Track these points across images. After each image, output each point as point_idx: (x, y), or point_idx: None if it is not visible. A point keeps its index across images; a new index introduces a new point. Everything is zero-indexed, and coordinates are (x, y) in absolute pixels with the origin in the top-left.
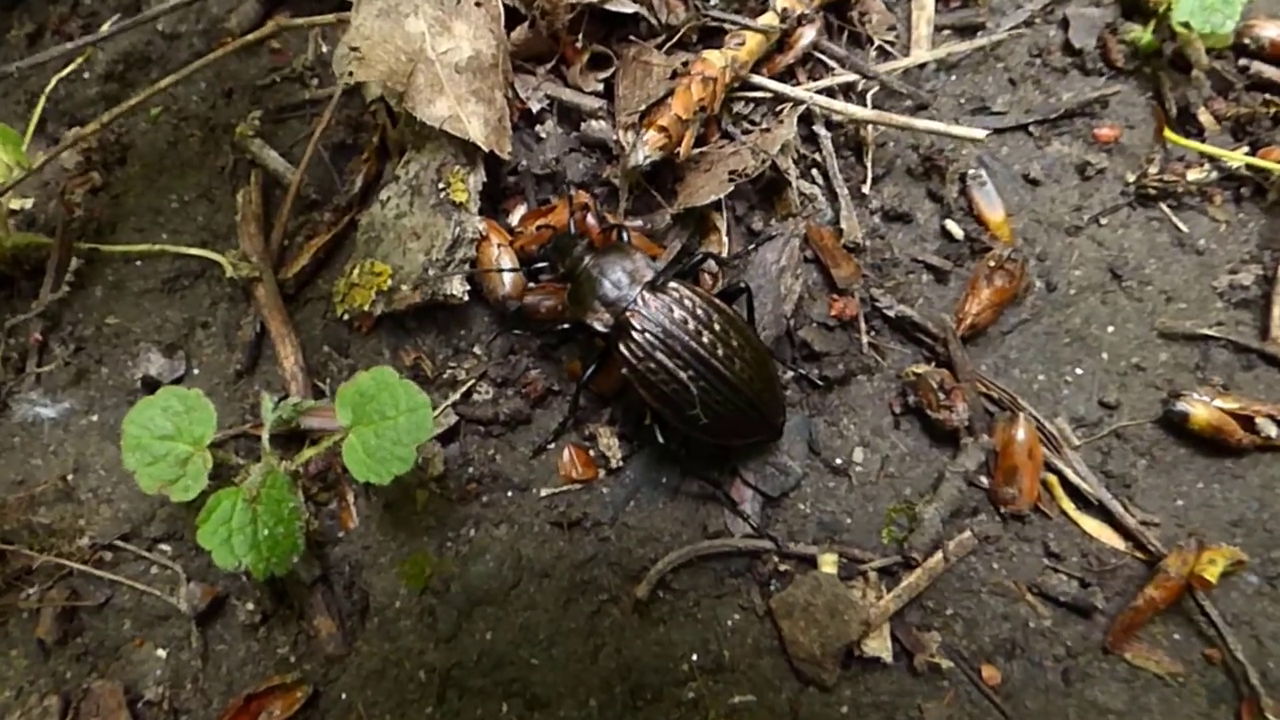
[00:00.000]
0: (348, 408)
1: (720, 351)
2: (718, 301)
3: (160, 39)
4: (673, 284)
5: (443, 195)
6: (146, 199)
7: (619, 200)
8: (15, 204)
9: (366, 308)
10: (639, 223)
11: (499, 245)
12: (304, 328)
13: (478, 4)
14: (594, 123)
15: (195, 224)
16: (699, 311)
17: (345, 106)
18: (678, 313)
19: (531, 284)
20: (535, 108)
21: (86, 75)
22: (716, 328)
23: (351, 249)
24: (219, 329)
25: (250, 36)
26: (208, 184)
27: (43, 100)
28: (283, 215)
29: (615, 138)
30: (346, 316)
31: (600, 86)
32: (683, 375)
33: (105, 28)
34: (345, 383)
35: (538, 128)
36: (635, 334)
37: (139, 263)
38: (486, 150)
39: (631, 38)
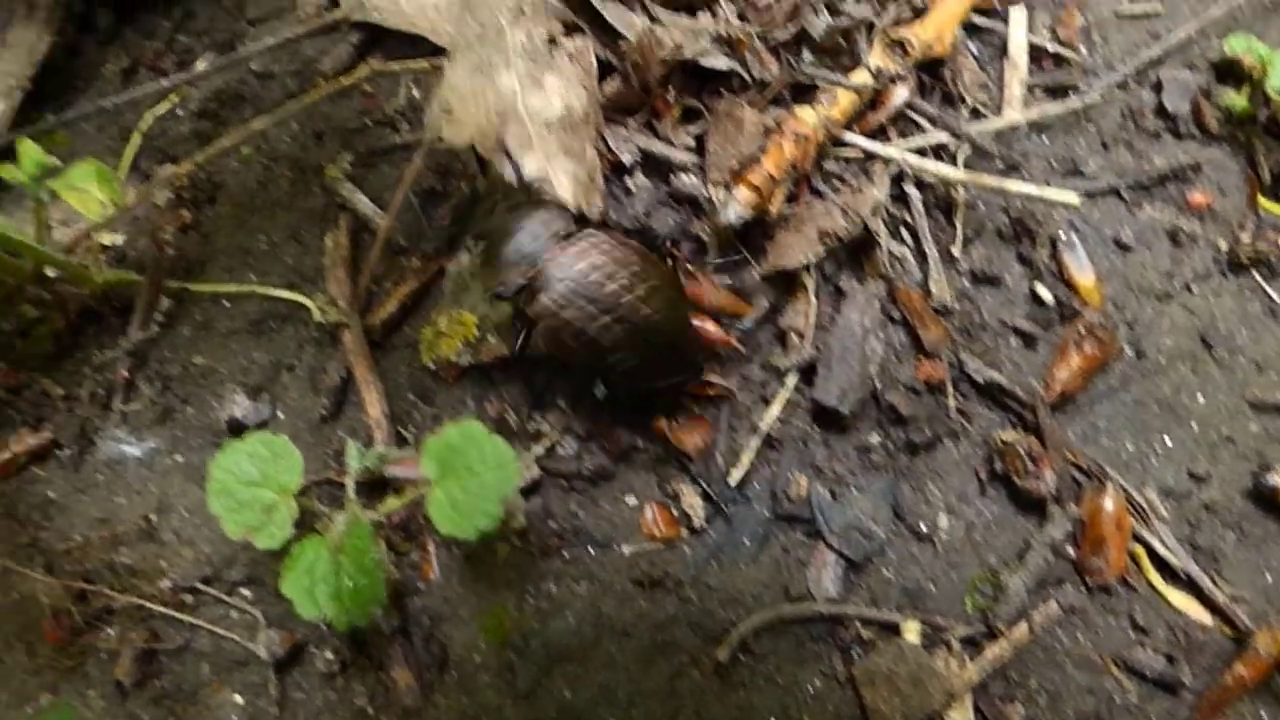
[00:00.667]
0: (434, 461)
1: (639, 293)
2: (631, 242)
3: (253, 78)
4: (586, 231)
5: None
6: (236, 239)
7: (707, 256)
8: (106, 239)
9: (453, 357)
10: (727, 279)
11: None
12: (389, 374)
13: (570, 58)
14: (684, 176)
15: (284, 265)
16: (615, 254)
17: (435, 152)
18: (594, 257)
19: None
20: (626, 160)
21: (180, 111)
22: (634, 269)
23: (439, 297)
24: (304, 372)
25: (344, 81)
26: (297, 225)
27: (138, 138)
28: (371, 260)
29: (706, 193)
30: (432, 365)
31: (691, 140)
32: (603, 320)
33: (200, 65)
34: (432, 435)
35: (627, 180)
36: (554, 285)
37: (227, 303)
38: (576, 209)
39: (723, 92)
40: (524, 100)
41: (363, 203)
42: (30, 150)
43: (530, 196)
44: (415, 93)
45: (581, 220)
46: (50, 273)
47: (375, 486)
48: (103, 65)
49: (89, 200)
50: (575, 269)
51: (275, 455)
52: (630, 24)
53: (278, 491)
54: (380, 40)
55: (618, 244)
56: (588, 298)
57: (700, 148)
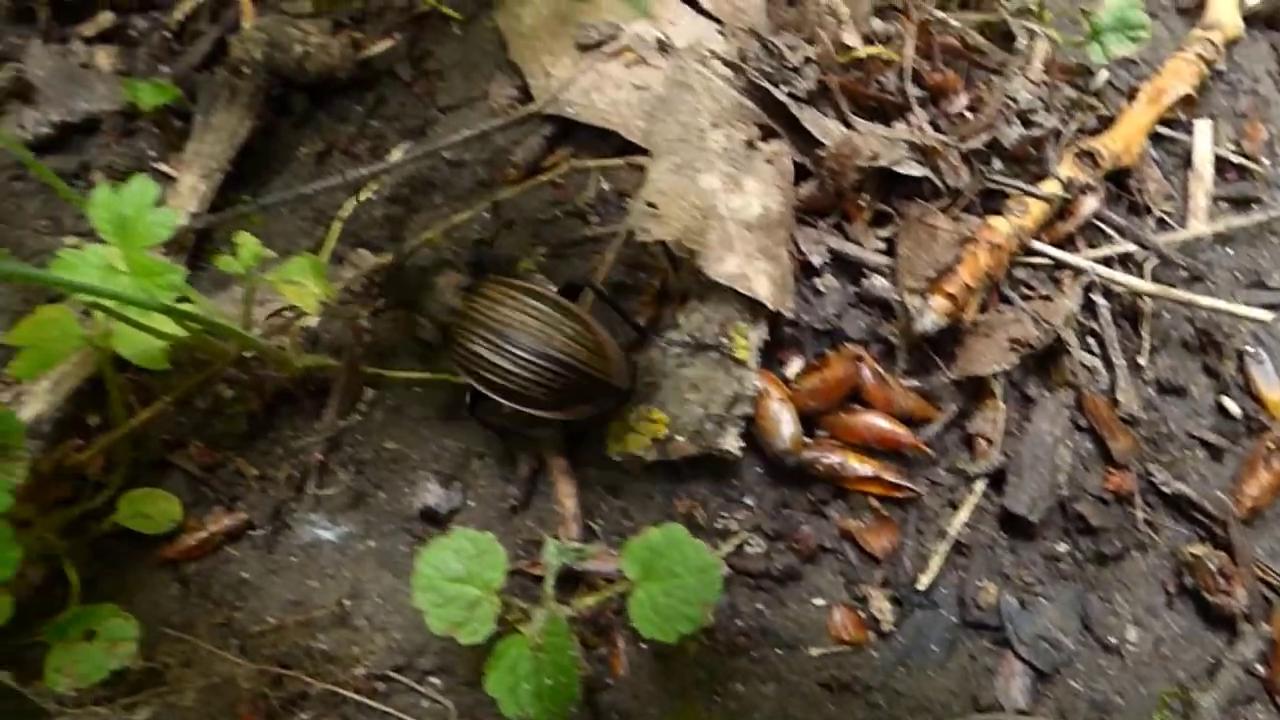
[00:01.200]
0: (636, 562)
1: (545, 332)
2: (532, 286)
3: (444, 165)
4: (488, 282)
5: (725, 350)
6: None
7: (896, 359)
8: (300, 322)
9: (640, 453)
10: (915, 383)
11: (777, 400)
12: (576, 465)
13: (768, 161)
14: (875, 279)
15: None
16: (515, 300)
17: (624, 245)
18: (499, 309)
19: (807, 438)
20: (816, 261)
21: (372, 196)
22: (537, 310)
23: None
24: (494, 461)
25: (543, 177)
26: None
27: (338, 226)
28: None
29: (897, 297)
30: (619, 458)
31: (881, 244)
32: (512, 363)
33: (395, 154)
34: (634, 536)
35: (816, 281)
36: (461, 337)
37: (418, 388)
38: (773, 309)
39: (914, 198)
40: (725, 201)
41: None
42: (249, 243)
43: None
44: (604, 186)
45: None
46: (246, 353)
47: (567, 580)
48: (297, 148)
49: (305, 294)
50: (486, 316)
51: (480, 552)
52: (826, 130)
53: (481, 588)
54: (570, 132)
55: (515, 289)
56: (497, 341)
57: (890, 251)
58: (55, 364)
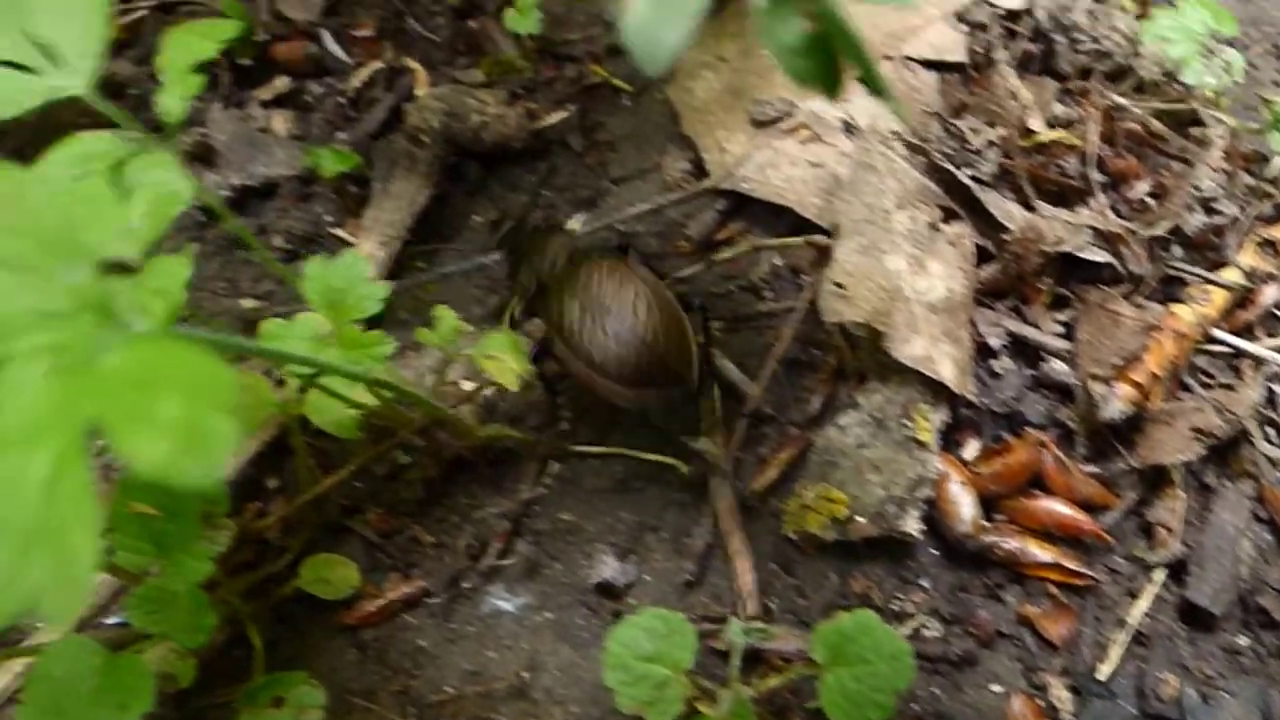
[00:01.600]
0: (825, 646)
1: (641, 315)
2: (643, 272)
3: (617, 236)
4: (601, 258)
5: (907, 433)
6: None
7: (1074, 445)
8: (481, 391)
9: (818, 532)
10: (1094, 469)
11: (958, 483)
12: (751, 541)
13: (951, 243)
14: (1054, 363)
15: (648, 425)
16: (623, 278)
17: (802, 323)
18: (605, 283)
19: (985, 522)
20: (993, 343)
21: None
22: (640, 294)
23: (804, 468)
24: (669, 535)
25: (726, 254)
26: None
27: (519, 297)
28: (739, 428)
29: (1077, 382)
30: (795, 537)
31: (1060, 328)
32: (603, 333)
33: (572, 225)
34: (824, 620)
35: (993, 362)
36: (557, 298)
37: (594, 460)
38: (958, 393)
39: (1094, 284)
40: (910, 283)
41: (730, 369)
42: (447, 318)
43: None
44: (777, 261)
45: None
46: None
47: (747, 658)
48: (470, 215)
49: (505, 370)
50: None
51: (671, 632)
52: (1009, 214)
53: (671, 668)
54: (742, 205)
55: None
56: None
57: (1069, 335)
58: (252, 430)
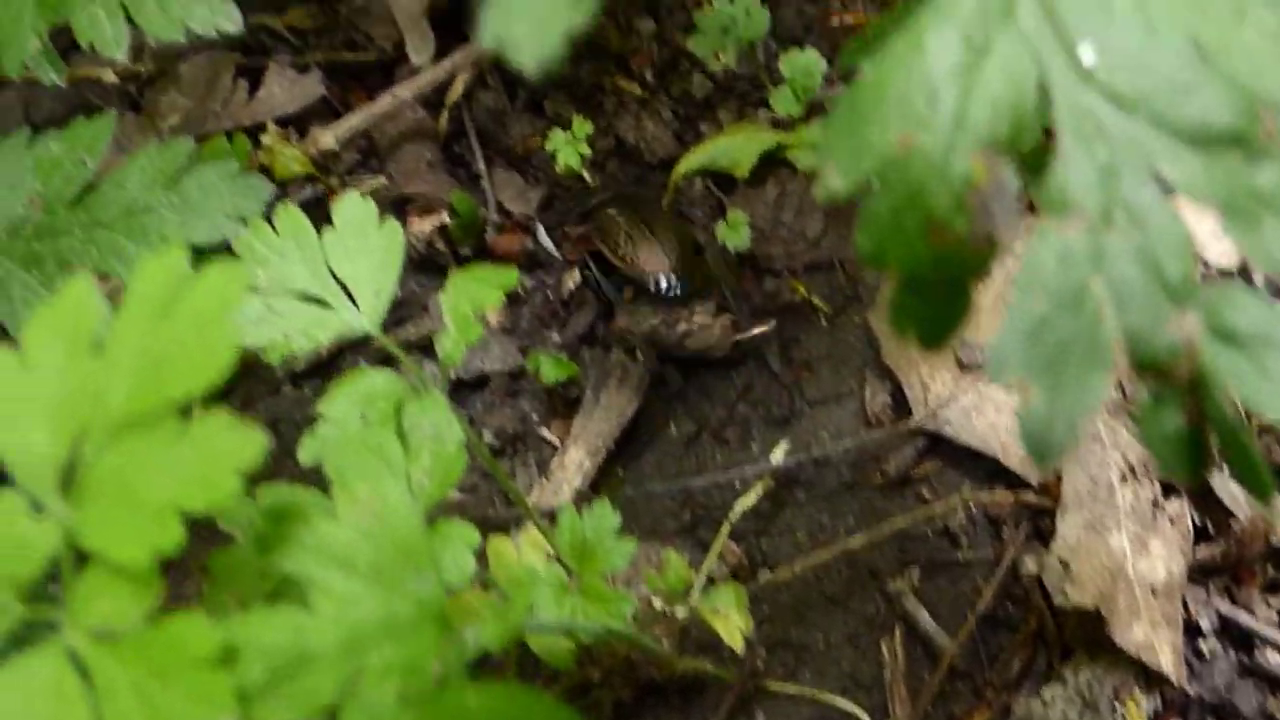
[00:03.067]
0: None
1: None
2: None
3: (810, 463)
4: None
5: (1118, 717)
6: (793, 632)
7: None
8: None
9: None
10: None
11: None
12: None
13: (1170, 521)
14: (1269, 653)
15: (839, 669)
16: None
17: (1003, 580)
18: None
19: None
20: (1204, 625)
21: (736, 483)
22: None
23: None
24: None
25: (936, 508)
26: (853, 627)
27: (726, 530)
28: (932, 682)
29: None
30: None
31: (1275, 615)
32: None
33: (776, 454)
34: None
35: (1201, 643)
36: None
37: (784, 700)
38: (1176, 683)
39: None
40: (1132, 563)
41: (924, 619)
42: (677, 566)
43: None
44: (973, 509)
45: None
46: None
47: None
48: (668, 423)
49: (731, 628)
50: None
51: None
52: (1234, 498)
53: None
54: (938, 445)
55: None
56: None
57: None
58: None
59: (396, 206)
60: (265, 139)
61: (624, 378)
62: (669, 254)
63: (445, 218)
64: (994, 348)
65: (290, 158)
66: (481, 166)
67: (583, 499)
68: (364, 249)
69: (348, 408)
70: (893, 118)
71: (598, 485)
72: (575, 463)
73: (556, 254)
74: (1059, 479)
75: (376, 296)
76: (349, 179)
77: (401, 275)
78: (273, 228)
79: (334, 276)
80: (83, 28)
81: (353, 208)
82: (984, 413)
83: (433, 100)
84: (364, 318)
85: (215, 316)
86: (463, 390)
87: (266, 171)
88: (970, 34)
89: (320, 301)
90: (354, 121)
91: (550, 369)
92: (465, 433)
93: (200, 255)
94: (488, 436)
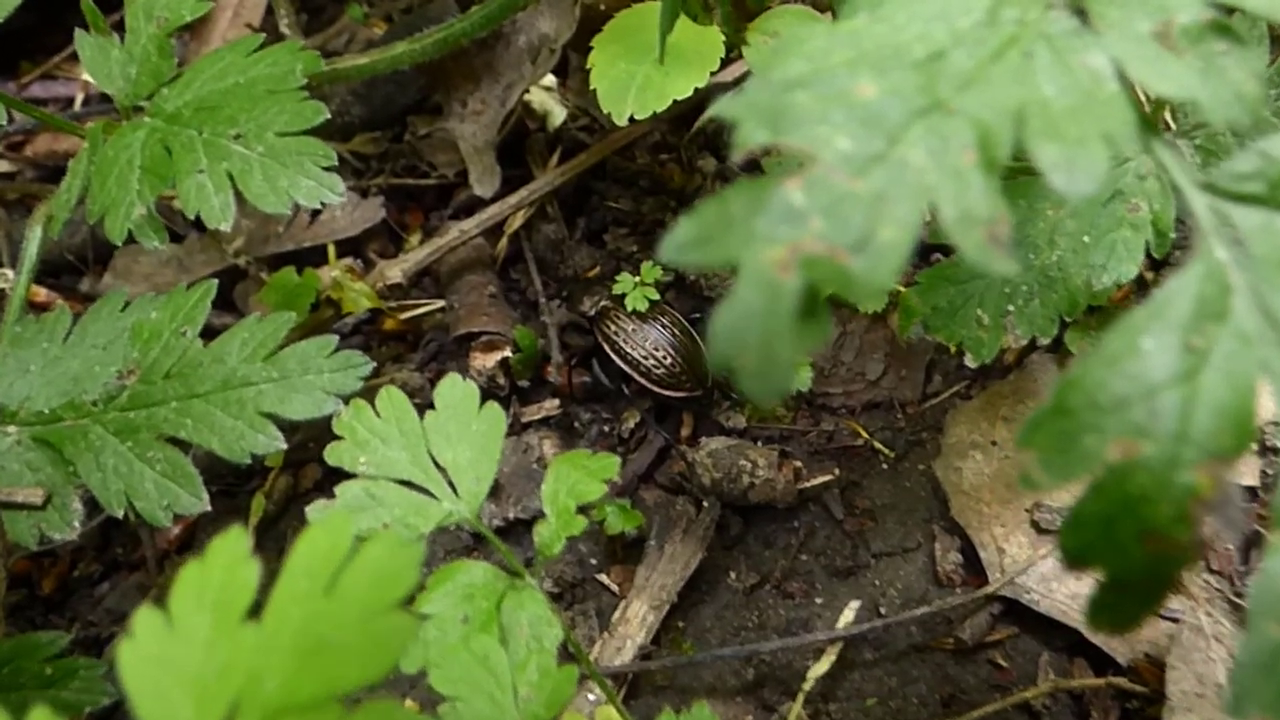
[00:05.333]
0: None
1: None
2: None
3: (880, 629)
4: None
5: None
6: None
7: None
8: None
9: None
10: None
11: None
12: None
13: None
14: None
15: None
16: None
17: None
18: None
19: None
20: None
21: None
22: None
23: None
24: None
25: (1016, 682)
26: None
27: (801, 699)
28: None
29: None
30: None
31: None
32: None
33: (846, 617)
34: None
35: None
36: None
37: None
38: None
39: None
40: None
41: None
42: None
43: None
44: (1051, 675)
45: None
46: None
47: None
48: (729, 572)
49: None
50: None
51: None
52: None
53: None
54: (1014, 609)
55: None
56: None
57: None
58: None
59: (460, 341)
60: (334, 274)
61: (689, 528)
62: (660, 345)
63: (508, 352)
64: (1230, 681)
65: (359, 293)
66: (541, 298)
67: (646, 656)
68: (465, 435)
69: (449, 606)
70: (1110, 424)
71: (659, 639)
72: (639, 616)
73: (610, 384)
74: (1149, 661)
75: (477, 483)
76: (410, 306)
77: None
78: (373, 409)
79: (435, 462)
80: (189, 198)
81: (454, 390)
82: (1064, 581)
83: (491, 227)
84: (464, 504)
85: (384, 601)
86: (519, 529)
87: (334, 305)
88: (1189, 338)
89: (421, 489)
90: (420, 255)
91: (617, 520)
92: (565, 631)
93: (295, 429)
94: (547, 584)
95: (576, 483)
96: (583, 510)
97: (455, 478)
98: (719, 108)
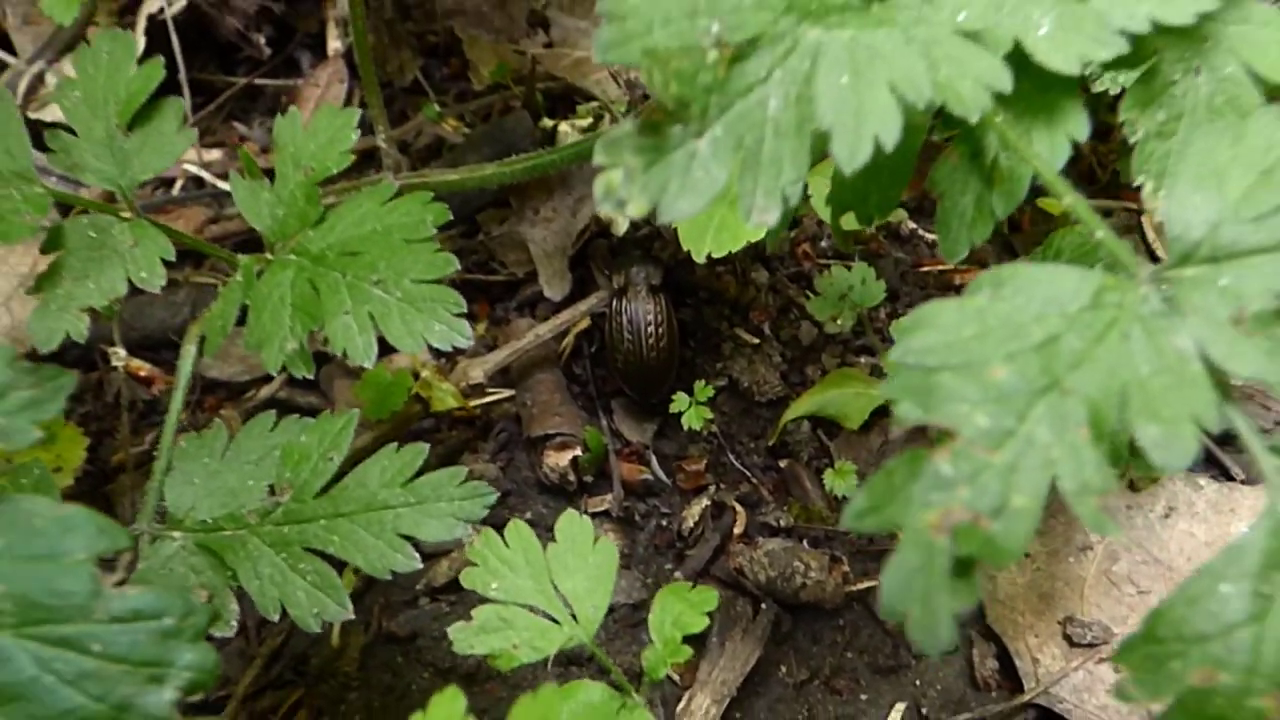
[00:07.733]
0: None
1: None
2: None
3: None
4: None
5: None
6: None
7: None
8: None
9: None
10: None
11: None
12: None
13: None
14: None
15: None
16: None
17: None
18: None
19: None
20: None
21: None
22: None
23: None
24: None
25: None
26: None
27: None
28: None
29: None
30: None
31: None
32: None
33: (894, 717)
34: None
35: None
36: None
37: None
38: None
39: None
40: None
41: None
42: None
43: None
44: None
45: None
46: None
47: None
48: (779, 666)
49: None
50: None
51: None
52: None
53: None
54: (1046, 716)
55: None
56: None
57: None
58: None
59: (534, 443)
60: (424, 373)
61: (748, 628)
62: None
63: (579, 451)
64: None
65: (446, 392)
66: (598, 396)
67: None
68: (582, 566)
69: None
70: (1193, 654)
71: None
72: (702, 709)
73: (667, 480)
74: None
75: (594, 610)
76: (492, 411)
77: (534, 501)
78: (502, 538)
79: (556, 590)
80: (336, 336)
81: (573, 525)
82: (1095, 693)
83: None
84: (582, 630)
85: None
86: None
87: (423, 403)
88: (1258, 585)
89: (545, 614)
90: (500, 357)
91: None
92: None
93: (430, 557)
94: (615, 674)
95: (680, 614)
96: (688, 641)
97: (575, 605)
98: (884, 391)
